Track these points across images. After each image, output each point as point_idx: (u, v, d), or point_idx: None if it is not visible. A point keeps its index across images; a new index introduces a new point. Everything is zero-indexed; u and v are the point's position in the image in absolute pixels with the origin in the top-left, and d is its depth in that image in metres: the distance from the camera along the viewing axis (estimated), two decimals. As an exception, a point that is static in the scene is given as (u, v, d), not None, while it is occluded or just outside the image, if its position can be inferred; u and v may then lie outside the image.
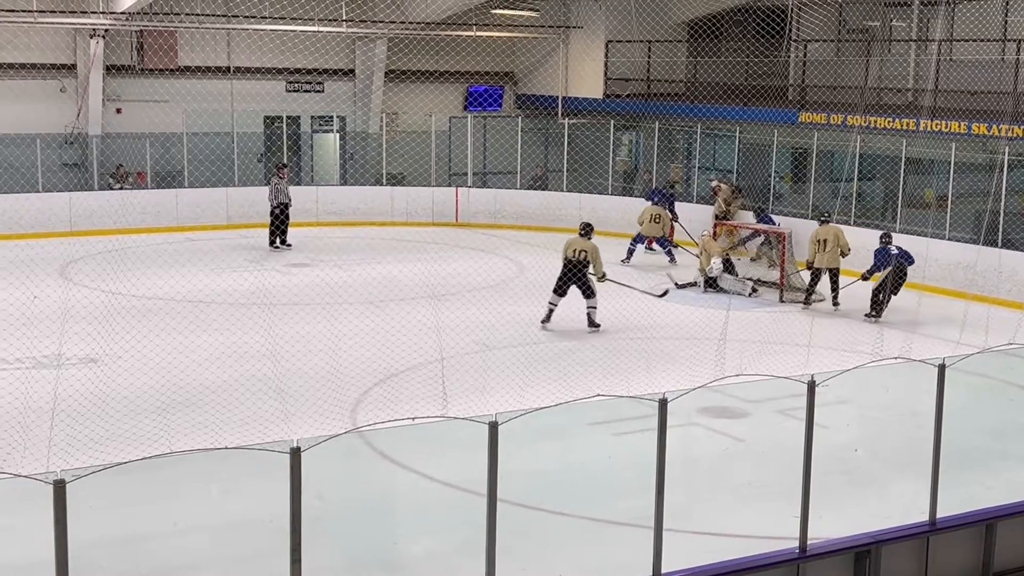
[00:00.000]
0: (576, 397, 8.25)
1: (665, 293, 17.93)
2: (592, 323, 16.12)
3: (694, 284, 19.51)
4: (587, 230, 16.60)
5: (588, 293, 16.23)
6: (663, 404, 6.90)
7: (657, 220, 21.96)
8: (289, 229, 22.53)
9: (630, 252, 21.91)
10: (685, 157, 26.94)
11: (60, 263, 19.93)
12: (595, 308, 16.18)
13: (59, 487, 5.51)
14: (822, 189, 23.23)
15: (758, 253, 21.32)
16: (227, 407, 12.07)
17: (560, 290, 16.20)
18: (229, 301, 17.19)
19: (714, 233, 20.44)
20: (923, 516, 8.09)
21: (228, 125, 25.29)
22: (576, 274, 16.13)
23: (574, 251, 16.25)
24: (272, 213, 22.37)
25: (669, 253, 22.14)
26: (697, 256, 20.22)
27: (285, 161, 24.55)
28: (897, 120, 21.12)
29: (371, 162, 27.33)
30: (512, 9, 27.43)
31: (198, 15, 24.38)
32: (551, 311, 16.16)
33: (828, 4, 23.79)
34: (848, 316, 17.57)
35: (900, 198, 21.00)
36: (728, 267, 19.52)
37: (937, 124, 20.39)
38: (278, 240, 22.40)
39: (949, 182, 20.17)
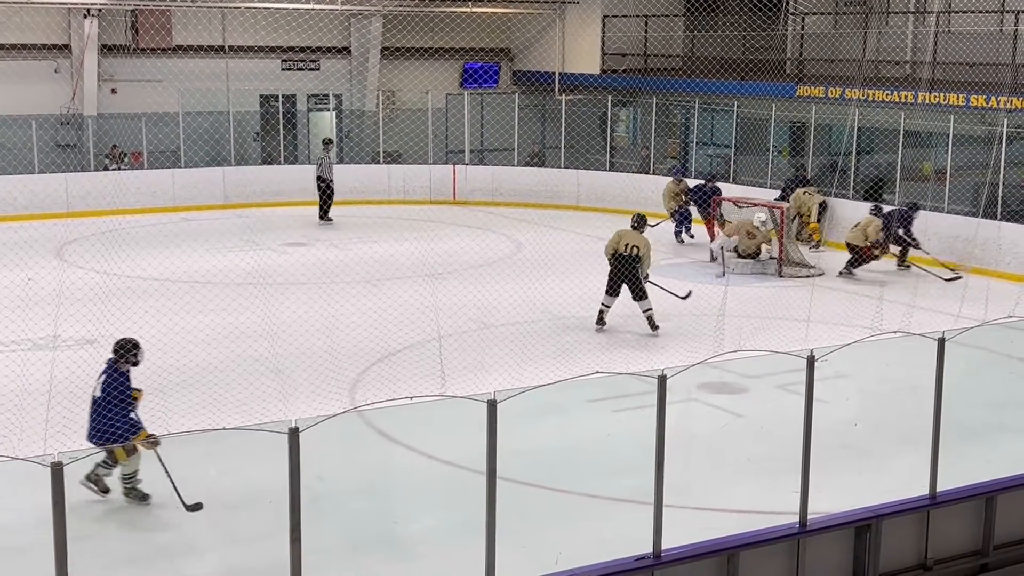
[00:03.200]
0: (575, 374, 8.23)
1: (688, 295, 15.99)
2: (653, 325, 14.73)
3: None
4: (640, 223, 15.21)
5: (639, 294, 14.72)
6: (662, 380, 6.86)
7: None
8: (317, 206, 23.27)
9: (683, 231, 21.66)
10: (683, 132, 26.86)
11: (56, 244, 19.87)
12: (651, 310, 14.72)
13: (57, 469, 5.48)
14: (820, 163, 23.18)
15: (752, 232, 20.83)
16: (225, 388, 12.05)
17: (614, 290, 14.76)
18: (226, 281, 17.15)
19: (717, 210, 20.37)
20: (923, 490, 8.07)
21: (224, 104, 25.18)
22: (627, 271, 14.68)
23: (625, 245, 14.70)
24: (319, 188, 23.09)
25: (677, 234, 21.65)
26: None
27: (331, 137, 24.89)
28: (895, 93, 21.05)
29: (367, 140, 27.25)
30: (508, -15, 27.31)
31: (192, -6, 24.28)
32: (603, 313, 14.90)
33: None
34: (847, 290, 17.54)
35: (899, 171, 20.94)
36: (739, 251, 19.09)
37: (935, 96, 20.31)
38: (321, 214, 23.10)
39: (948, 155, 20.12)
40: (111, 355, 9.08)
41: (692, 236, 21.59)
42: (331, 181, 23.13)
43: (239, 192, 24.61)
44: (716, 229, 19.97)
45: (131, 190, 23.28)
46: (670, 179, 22.14)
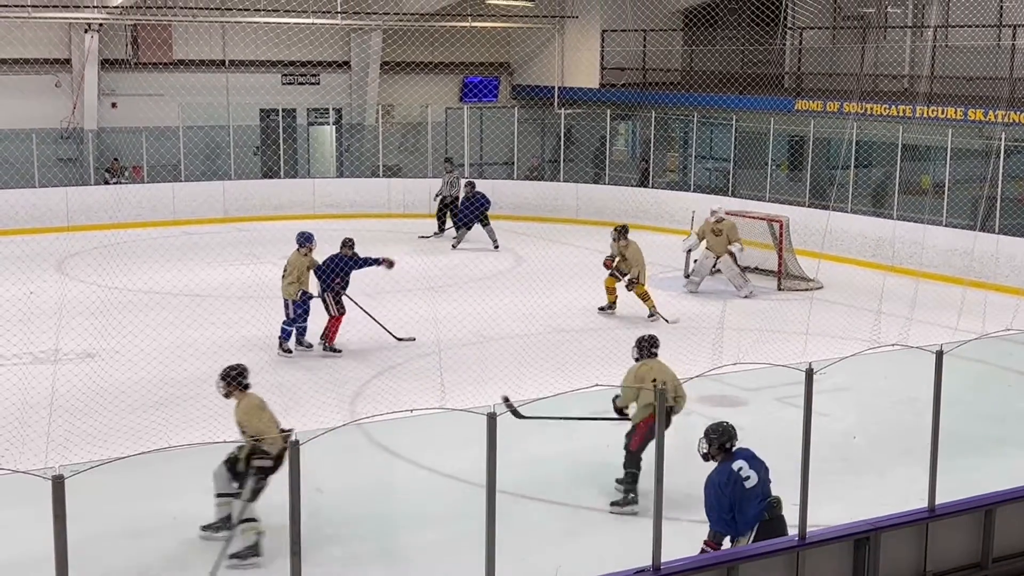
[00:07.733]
0: (575, 387, 8.24)
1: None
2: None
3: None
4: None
5: None
6: (662, 393, 6.89)
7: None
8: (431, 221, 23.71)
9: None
10: (682, 146, 26.92)
11: (57, 258, 19.90)
12: None
13: (58, 483, 5.49)
14: (819, 177, 23.23)
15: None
16: (225, 401, 12.03)
17: None
18: (226, 295, 17.17)
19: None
20: (922, 503, 8.07)
21: (224, 118, 25.24)
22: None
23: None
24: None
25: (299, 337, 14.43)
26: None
27: (449, 155, 25.14)
28: (893, 107, 21.10)
29: (367, 154, 27.31)
30: (507, -1, 27.41)
31: (192, 8, 24.31)
32: None
33: (823, -9, 23.77)
34: (846, 303, 17.56)
35: (897, 185, 20.99)
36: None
37: (933, 110, 20.37)
38: (439, 227, 23.28)
39: (946, 168, 20.16)
40: None
41: (290, 349, 14.09)
42: (450, 199, 22.93)
43: (239, 206, 24.65)
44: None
45: (131, 204, 23.35)
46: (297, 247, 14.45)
